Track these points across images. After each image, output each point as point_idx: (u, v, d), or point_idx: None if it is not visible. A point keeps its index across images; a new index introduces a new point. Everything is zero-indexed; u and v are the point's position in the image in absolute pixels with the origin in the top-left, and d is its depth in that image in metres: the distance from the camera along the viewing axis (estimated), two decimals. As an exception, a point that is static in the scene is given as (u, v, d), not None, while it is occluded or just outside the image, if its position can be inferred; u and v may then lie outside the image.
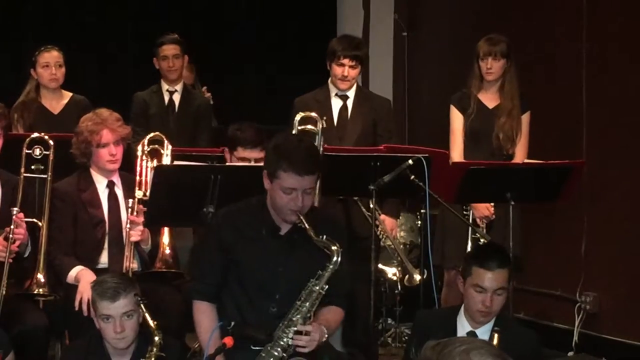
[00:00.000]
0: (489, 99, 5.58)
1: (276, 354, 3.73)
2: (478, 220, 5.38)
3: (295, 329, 3.72)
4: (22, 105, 5.95)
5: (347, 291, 4.04)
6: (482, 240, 5.28)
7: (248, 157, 5.04)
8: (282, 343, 3.74)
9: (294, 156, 3.77)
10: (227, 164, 5.00)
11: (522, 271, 5.42)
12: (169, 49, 6.38)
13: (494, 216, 5.44)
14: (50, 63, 5.93)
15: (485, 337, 3.87)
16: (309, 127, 5.11)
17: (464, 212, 5.38)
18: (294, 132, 5.05)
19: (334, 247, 3.75)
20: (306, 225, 3.78)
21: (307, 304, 3.75)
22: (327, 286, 3.76)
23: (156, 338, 3.86)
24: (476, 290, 3.92)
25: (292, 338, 3.71)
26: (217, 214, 4.14)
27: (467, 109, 5.54)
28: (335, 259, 3.74)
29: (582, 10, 6.12)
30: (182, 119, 6.32)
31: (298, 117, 5.18)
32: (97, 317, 3.96)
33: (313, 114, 5.30)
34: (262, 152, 5.02)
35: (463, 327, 3.98)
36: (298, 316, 3.74)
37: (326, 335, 3.79)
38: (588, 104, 6.10)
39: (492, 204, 5.41)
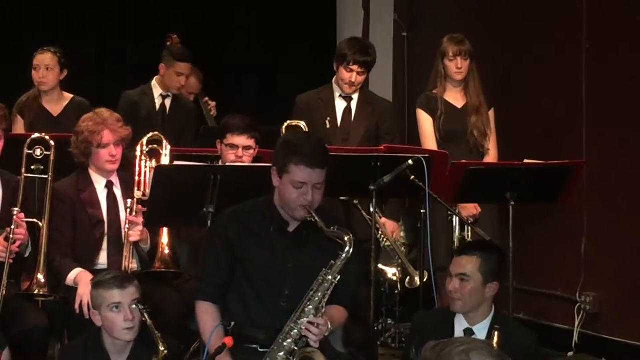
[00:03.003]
0: (455, 99, 5.66)
1: (286, 344, 3.72)
2: (465, 219, 5.40)
3: (308, 319, 3.71)
4: (22, 104, 5.97)
5: (352, 292, 4.03)
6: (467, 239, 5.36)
7: (236, 143, 5.05)
8: (293, 334, 3.72)
9: (305, 149, 3.80)
10: (228, 164, 5.00)
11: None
12: (186, 68, 6.34)
13: (479, 214, 5.48)
14: (39, 66, 5.93)
15: (482, 334, 3.89)
16: None
17: (448, 212, 5.39)
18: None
19: (346, 237, 3.75)
20: (316, 218, 3.79)
21: (319, 294, 3.74)
22: (339, 276, 3.75)
23: (161, 348, 3.84)
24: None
25: (303, 328, 3.70)
26: (223, 214, 4.09)
27: (436, 111, 5.59)
28: (347, 248, 3.74)
29: (582, 9, 6.12)
30: (171, 124, 6.25)
31: (285, 126, 5.23)
32: (105, 311, 3.92)
33: (301, 123, 5.32)
34: (250, 140, 5.05)
35: (461, 325, 4.00)
36: (310, 307, 3.73)
37: (330, 329, 3.78)
38: (588, 104, 6.09)
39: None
